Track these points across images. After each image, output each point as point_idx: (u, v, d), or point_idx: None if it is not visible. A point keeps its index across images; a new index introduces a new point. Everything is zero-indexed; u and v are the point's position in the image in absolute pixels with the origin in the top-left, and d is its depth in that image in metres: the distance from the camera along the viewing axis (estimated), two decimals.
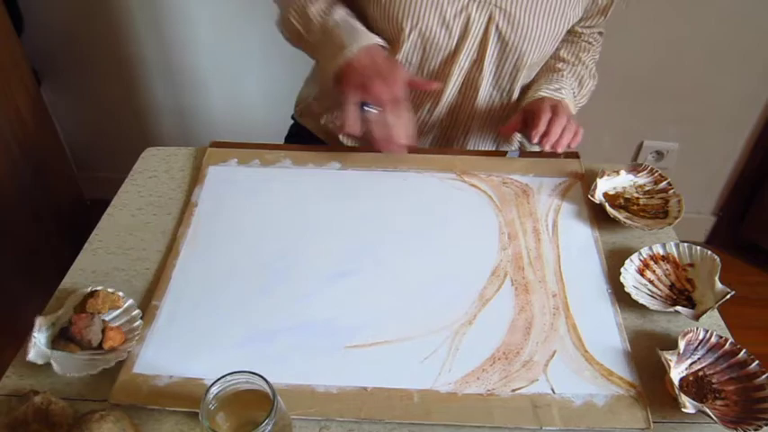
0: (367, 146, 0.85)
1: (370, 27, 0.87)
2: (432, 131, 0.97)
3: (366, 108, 0.78)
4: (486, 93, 0.92)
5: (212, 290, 0.69)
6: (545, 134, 0.80)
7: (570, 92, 0.93)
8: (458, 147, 0.98)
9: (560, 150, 0.81)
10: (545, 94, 0.89)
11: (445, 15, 0.83)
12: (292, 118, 1.12)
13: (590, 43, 0.99)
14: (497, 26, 0.84)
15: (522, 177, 0.84)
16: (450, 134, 0.97)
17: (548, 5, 0.84)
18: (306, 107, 1.03)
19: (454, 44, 0.86)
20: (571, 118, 0.86)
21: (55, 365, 0.59)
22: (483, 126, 0.96)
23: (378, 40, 0.82)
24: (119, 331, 0.63)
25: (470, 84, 0.91)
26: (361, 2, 0.88)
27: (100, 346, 0.62)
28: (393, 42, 0.87)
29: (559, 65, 0.95)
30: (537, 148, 0.86)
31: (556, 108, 0.84)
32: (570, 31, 0.96)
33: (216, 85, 1.62)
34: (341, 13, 0.84)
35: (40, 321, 0.63)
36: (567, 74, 0.95)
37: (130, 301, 0.66)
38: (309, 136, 1.03)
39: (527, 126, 0.84)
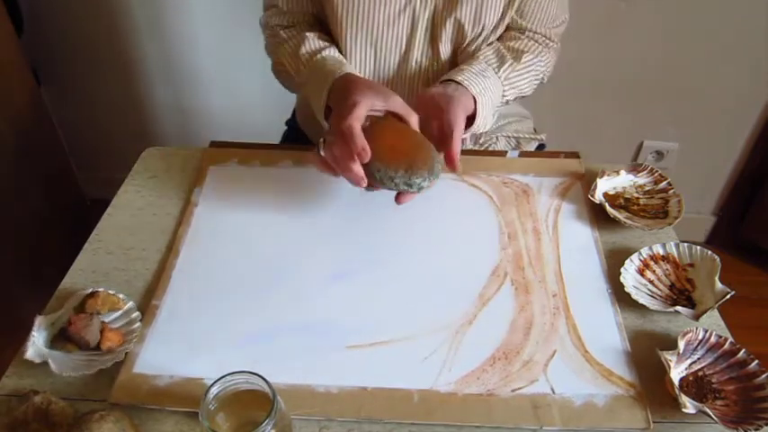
0: None
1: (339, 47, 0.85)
2: None
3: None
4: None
5: (212, 290, 0.69)
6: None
7: (481, 67, 0.82)
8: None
9: (458, 169, 0.73)
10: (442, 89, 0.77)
11: (389, 14, 0.81)
12: (287, 124, 1.12)
13: (536, 42, 0.89)
14: (444, 16, 0.82)
15: (523, 177, 0.84)
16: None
17: None
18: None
19: (404, 44, 0.84)
20: (452, 107, 0.74)
21: (52, 364, 0.59)
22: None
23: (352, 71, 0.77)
24: (117, 333, 0.63)
25: (437, 79, 0.86)
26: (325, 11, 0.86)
27: (98, 347, 0.62)
28: (345, 49, 0.85)
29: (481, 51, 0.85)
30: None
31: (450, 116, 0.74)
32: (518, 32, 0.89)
33: (216, 85, 1.61)
34: (330, 51, 0.83)
35: (39, 320, 0.63)
36: (484, 52, 0.85)
37: (131, 304, 0.66)
38: (307, 142, 1.02)
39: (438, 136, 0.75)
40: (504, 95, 0.84)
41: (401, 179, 0.67)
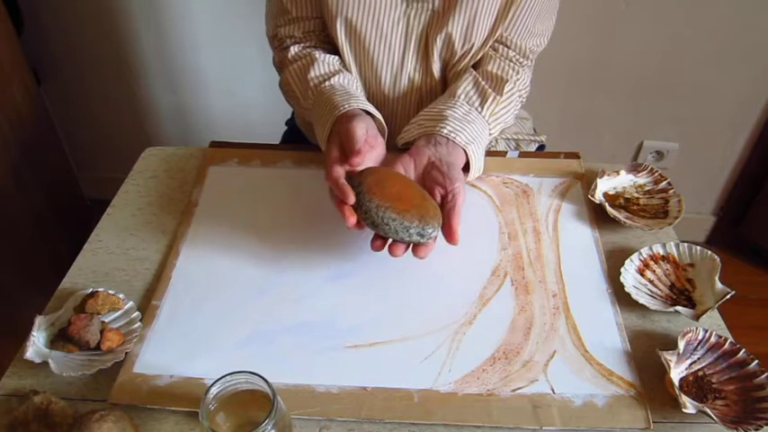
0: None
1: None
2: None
3: None
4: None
5: (212, 290, 0.69)
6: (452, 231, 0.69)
7: (464, 109, 0.79)
8: None
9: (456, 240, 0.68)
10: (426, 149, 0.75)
11: (383, 27, 0.80)
12: (287, 124, 1.12)
13: (513, 62, 0.85)
14: (435, 31, 0.80)
15: (523, 177, 0.84)
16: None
17: None
18: None
19: (397, 59, 0.83)
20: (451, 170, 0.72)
21: (52, 364, 0.59)
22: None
23: (365, 105, 0.76)
24: (117, 333, 0.63)
25: (429, 96, 0.87)
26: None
27: (98, 347, 0.62)
28: (343, 61, 0.84)
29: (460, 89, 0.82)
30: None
31: (454, 188, 0.70)
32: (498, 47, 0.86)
33: (216, 85, 1.61)
34: (339, 79, 0.80)
35: (39, 321, 0.63)
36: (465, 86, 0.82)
37: (130, 303, 0.66)
38: (307, 142, 1.02)
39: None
40: (490, 133, 0.82)
41: (415, 230, 0.65)
